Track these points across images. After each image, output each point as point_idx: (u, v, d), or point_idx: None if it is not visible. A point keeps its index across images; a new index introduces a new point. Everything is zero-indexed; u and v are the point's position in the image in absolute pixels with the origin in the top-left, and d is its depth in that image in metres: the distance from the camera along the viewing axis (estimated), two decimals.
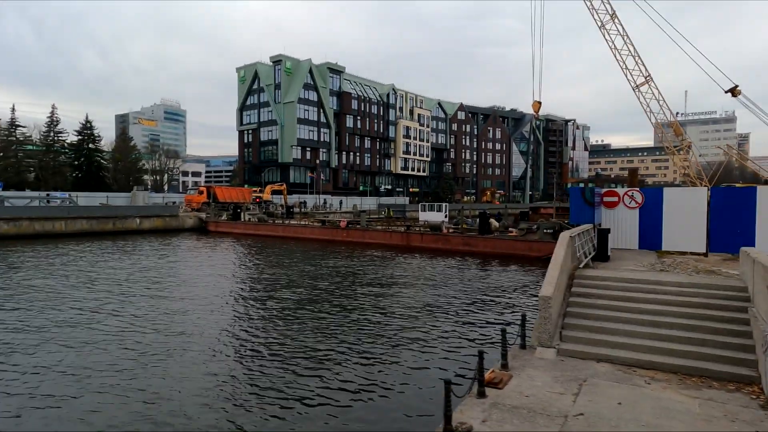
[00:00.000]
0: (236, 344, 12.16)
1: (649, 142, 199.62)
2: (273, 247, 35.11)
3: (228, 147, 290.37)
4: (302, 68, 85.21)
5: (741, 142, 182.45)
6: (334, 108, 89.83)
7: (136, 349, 11.56)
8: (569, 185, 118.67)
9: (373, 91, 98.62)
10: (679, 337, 8.72)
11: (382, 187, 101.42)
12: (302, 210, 61.18)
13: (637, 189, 16.55)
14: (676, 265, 13.10)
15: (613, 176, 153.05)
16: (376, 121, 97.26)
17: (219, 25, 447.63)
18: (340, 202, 76.10)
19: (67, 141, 78.30)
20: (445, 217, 40.56)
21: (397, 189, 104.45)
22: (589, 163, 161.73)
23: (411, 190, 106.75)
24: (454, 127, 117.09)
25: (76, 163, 76.60)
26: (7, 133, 73.08)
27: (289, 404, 8.69)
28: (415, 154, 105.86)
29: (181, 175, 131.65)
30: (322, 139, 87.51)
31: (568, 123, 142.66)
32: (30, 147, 76.50)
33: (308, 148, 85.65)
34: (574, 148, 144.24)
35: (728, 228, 14.51)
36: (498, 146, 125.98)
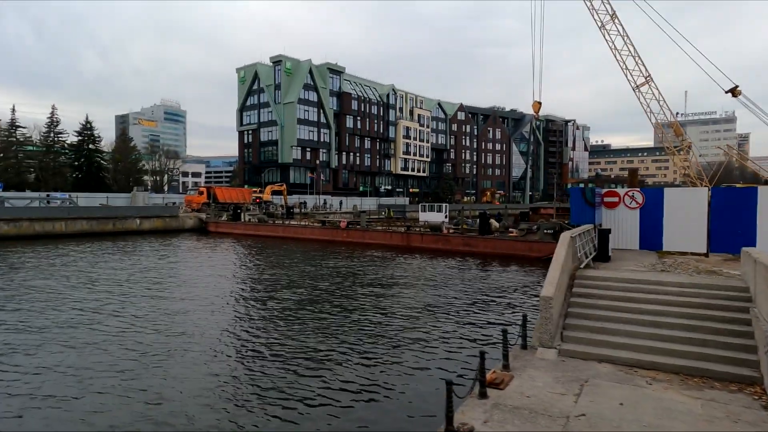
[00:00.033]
0: (237, 345, 12.16)
1: (649, 143, 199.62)
2: (273, 248, 35.10)
3: (228, 147, 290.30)
4: (302, 69, 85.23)
5: (741, 143, 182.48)
6: (334, 108, 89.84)
7: (137, 350, 11.56)
8: (569, 185, 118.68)
9: (373, 92, 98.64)
10: (680, 337, 8.71)
11: (382, 187, 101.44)
12: (302, 210, 61.19)
13: (638, 189, 16.54)
14: (677, 266, 13.09)
15: (613, 176, 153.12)
16: (376, 121, 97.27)
17: (219, 26, 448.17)
18: (340, 203, 76.11)
19: (67, 142, 78.35)
20: (446, 217, 40.57)
21: (397, 189, 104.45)
22: (589, 163, 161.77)
23: (411, 190, 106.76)
24: (454, 127, 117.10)
25: (76, 163, 76.62)
26: (7, 133, 73.09)
27: (291, 405, 8.68)
28: (415, 154, 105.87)
29: (181, 175, 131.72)
30: (322, 140, 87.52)
31: (568, 123, 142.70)
32: (30, 148, 76.51)
33: (308, 149, 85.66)
34: (574, 149, 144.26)
35: (729, 228, 14.50)
36: (498, 146, 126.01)
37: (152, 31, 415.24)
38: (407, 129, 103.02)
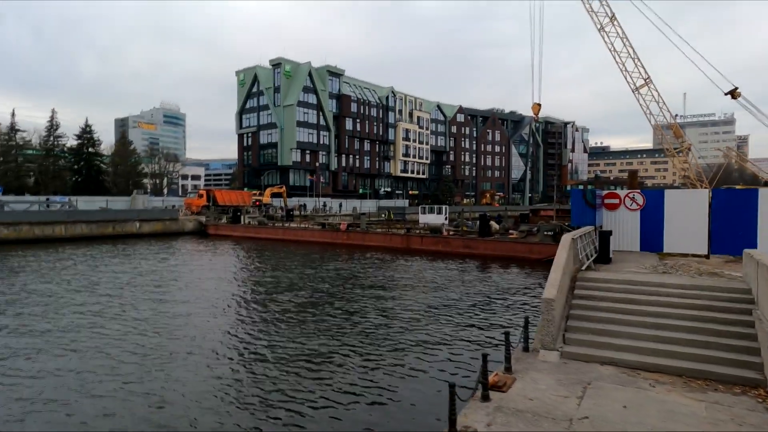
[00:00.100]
0: (239, 347, 12.14)
1: (648, 144, 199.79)
2: (273, 251, 35.07)
3: (227, 150, 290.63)
4: (301, 71, 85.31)
5: (740, 144, 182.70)
6: (334, 111, 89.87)
7: (139, 353, 11.54)
8: (569, 187, 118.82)
9: (372, 94, 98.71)
10: (683, 339, 8.69)
11: (382, 189, 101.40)
12: (302, 213, 61.16)
13: (639, 191, 16.56)
14: (678, 267, 13.07)
15: (612, 178, 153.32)
16: (375, 123, 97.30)
17: (218, 29, 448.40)
18: (340, 205, 76.06)
19: (66, 145, 78.31)
20: (445, 219, 40.54)
21: (397, 191, 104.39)
22: (589, 165, 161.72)
23: (410, 192, 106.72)
24: (454, 129, 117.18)
25: (75, 167, 76.57)
26: (7, 137, 73.04)
27: (293, 407, 8.66)
28: (414, 156, 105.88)
29: (180, 178, 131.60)
30: (321, 142, 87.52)
31: (567, 125, 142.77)
32: (30, 151, 76.47)
33: (308, 151, 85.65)
34: (573, 150, 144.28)
35: (730, 230, 14.50)
36: (497, 148, 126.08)
37: (151, 33, 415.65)
38: (407, 131, 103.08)
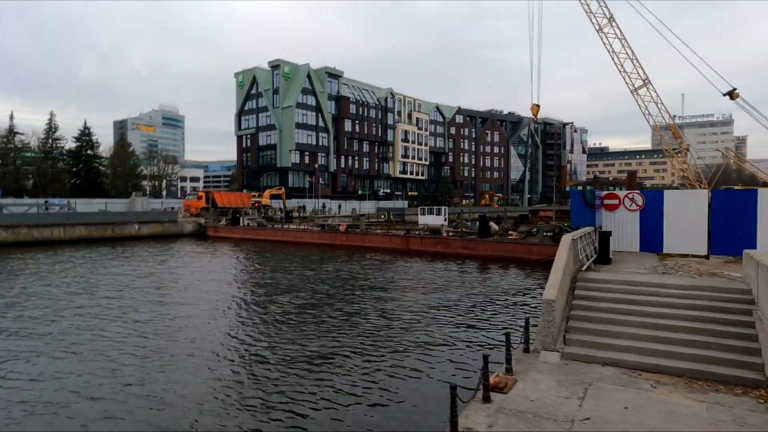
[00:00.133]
0: (240, 349, 12.12)
1: (647, 145, 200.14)
2: (272, 252, 35.04)
3: (226, 152, 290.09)
4: (300, 73, 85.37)
5: (738, 145, 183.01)
6: (333, 112, 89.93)
7: (139, 355, 11.52)
8: (568, 188, 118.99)
9: (371, 95, 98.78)
10: (683, 340, 8.69)
11: (381, 190, 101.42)
12: (301, 214, 61.13)
13: (638, 191, 16.57)
14: (678, 268, 13.08)
15: (611, 179, 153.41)
16: (374, 125, 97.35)
17: (217, 31, 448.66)
18: (339, 206, 76.06)
19: (65, 147, 78.21)
20: (445, 220, 40.56)
21: (396, 193, 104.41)
22: (587, 165, 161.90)
23: (410, 193, 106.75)
24: (453, 130, 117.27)
25: (74, 169, 76.50)
26: (5, 140, 72.93)
27: (294, 408, 8.65)
28: (413, 157, 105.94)
29: (179, 180, 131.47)
30: (320, 144, 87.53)
31: (566, 126, 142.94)
32: (28, 154, 76.33)
33: (307, 153, 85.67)
34: (572, 151, 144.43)
35: (729, 230, 14.52)
36: (496, 149, 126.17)
37: (150, 34, 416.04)
38: (405, 132, 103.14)
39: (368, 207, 76.99)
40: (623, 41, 35.15)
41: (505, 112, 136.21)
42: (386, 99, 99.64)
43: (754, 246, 13.59)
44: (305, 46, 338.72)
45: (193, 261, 30.47)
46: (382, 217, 60.94)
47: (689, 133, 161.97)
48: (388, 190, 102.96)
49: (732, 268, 12.95)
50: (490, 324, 14.72)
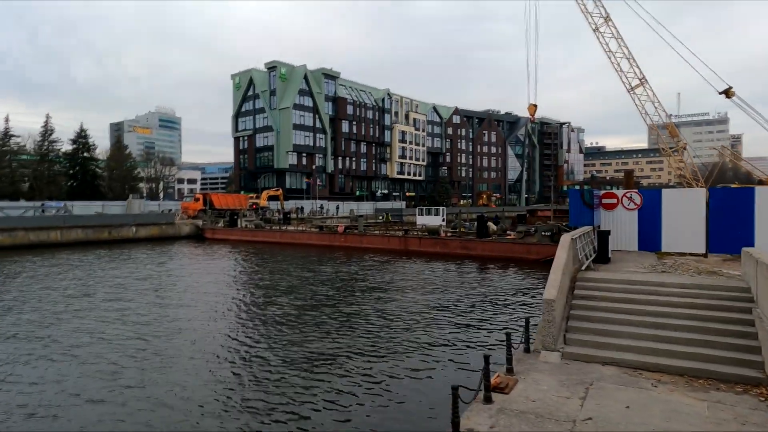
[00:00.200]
0: (240, 351, 12.09)
1: (643, 144, 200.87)
2: (271, 254, 34.98)
3: (223, 154, 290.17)
4: (297, 74, 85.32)
5: (734, 143, 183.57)
6: (330, 113, 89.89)
7: (140, 357, 11.49)
8: (565, 188, 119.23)
9: (368, 96, 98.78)
10: (684, 339, 8.70)
11: (379, 191, 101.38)
12: (299, 216, 61.06)
13: (636, 190, 16.61)
14: (677, 266, 13.11)
15: (608, 178, 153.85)
16: (371, 125, 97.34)
17: (216, 32, 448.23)
18: (337, 208, 76.00)
19: (61, 150, 77.91)
20: (443, 220, 40.59)
21: (394, 193, 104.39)
22: (584, 165, 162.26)
23: (407, 194, 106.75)
24: (450, 131, 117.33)
25: (71, 172, 76.21)
26: (1, 143, 72.64)
27: (295, 409, 8.64)
28: (410, 158, 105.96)
29: (176, 182, 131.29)
30: (317, 145, 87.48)
31: (563, 126, 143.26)
32: (24, 157, 76.02)
33: (304, 154, 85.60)
34: (569, 151, 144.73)
35: (727, 228, 14.55)
36: (493, 150, 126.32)
37: (147, 37, 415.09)
38: (403, 133, 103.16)
39: (366, 208, 76.95)
40: (620, 41, 35.25)
41: (502, 112, 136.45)
42: (383, 100, 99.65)
43: (751, 244, 13.61)
44: (305, 47, 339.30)
45: (191, 263, 30.40)
46: (381, 218, 60.93)
47: (685, 132, 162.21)
48: (386, 191, 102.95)
49: (730, 266, 12.98)
50: (490, 324, 14.72)
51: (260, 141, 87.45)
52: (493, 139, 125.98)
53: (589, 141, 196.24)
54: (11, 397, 9.30)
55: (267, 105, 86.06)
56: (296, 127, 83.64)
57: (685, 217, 15.19)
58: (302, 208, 69.21)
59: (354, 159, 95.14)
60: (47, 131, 75.74)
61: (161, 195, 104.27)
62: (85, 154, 77.13)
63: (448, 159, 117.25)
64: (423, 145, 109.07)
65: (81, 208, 52.30)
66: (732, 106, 36.70)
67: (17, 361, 11.36)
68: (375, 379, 10.10)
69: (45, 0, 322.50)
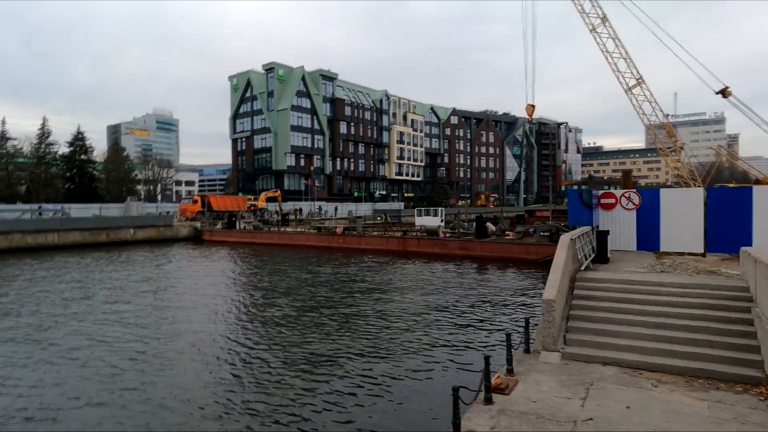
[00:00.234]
0: (240, 352, 12.08)
1: (641, 144, 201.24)
2: (269, 255, 34.94)
3: (221, 155, 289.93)
4: (295, 76, 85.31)
5: (730, 143, 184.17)
6: (328, 114, 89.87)
7: (139, 359, 11.46)
8: (563, 188, 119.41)
9: (366, 97, 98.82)
10: (684, 338, 8.71)
11: (377, 192, 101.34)
12: (297, 217, 61.02)
13: (634, 190, 16.65)
14: (676, 266, 13.14)
15: (606, 178, 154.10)
16: (369, 126, 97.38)
17: (214, 34, 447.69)
18: (336, 209, 75.97)
19: (58, 153, 77.80)
20: (441, 221, 40.59)
21: (392, 194, 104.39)
22: (582, 165, 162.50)
23: (406, 195, 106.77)
24: (448, 131, 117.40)
25: (68, 174, 76.04)
26: None
27: (295, 411, 8.63)
28: (409, 159, 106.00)
29: (174, 184, 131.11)
30: (315, 146, 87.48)
31: (561, 126, 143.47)
32: (21, 159, 75.87)
33: (302, 155, 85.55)
34: (566, 151, 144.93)
35: (725, 228, 14.59)
36: (491, 150, 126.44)
37: (145, 38, 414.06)
38: (401, 134, 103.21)
39: (365, 209, 76.91)
40: (617, 41, 35.32)
41: (500, 112, 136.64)
42: (381, 101, 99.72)
43: (749, 243, 13.65)
44: (303, 48, 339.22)
45: (189, 265, 30.34)
46: (379, 219, 60.91)
47: (682, 132, 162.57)
48: (384, 192, 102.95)
49: (729, 266, 13.01)
50: (489, 325, 14.73)
51: (258, 142, 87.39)
52: (491, 139, 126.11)
53: (587, 141, 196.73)
54: (10, 400, 9.27)
55: (265, 106, 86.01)
56: (294, 128, 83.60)
57: (683, 217, 15.23)
58: (300, 210, 69.18)
59: (352, 160, 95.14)
60: (44, 134, 75.62)
61: (159, 197, 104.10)
62: (83, 157, 76.98)
63: (446, 160, 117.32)
64: (421, 146, 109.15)
65: (78, 210, 52.20)
66: (729, 105, 36.83)
67: (16, 364, 11.32)
68: (375, 380, 10.10)
69: (41, 1, 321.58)
